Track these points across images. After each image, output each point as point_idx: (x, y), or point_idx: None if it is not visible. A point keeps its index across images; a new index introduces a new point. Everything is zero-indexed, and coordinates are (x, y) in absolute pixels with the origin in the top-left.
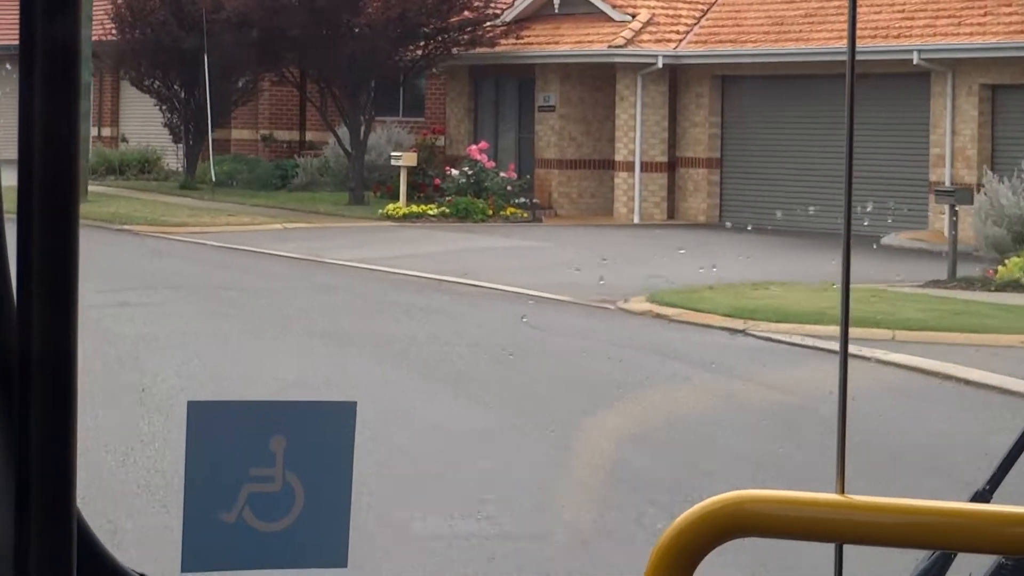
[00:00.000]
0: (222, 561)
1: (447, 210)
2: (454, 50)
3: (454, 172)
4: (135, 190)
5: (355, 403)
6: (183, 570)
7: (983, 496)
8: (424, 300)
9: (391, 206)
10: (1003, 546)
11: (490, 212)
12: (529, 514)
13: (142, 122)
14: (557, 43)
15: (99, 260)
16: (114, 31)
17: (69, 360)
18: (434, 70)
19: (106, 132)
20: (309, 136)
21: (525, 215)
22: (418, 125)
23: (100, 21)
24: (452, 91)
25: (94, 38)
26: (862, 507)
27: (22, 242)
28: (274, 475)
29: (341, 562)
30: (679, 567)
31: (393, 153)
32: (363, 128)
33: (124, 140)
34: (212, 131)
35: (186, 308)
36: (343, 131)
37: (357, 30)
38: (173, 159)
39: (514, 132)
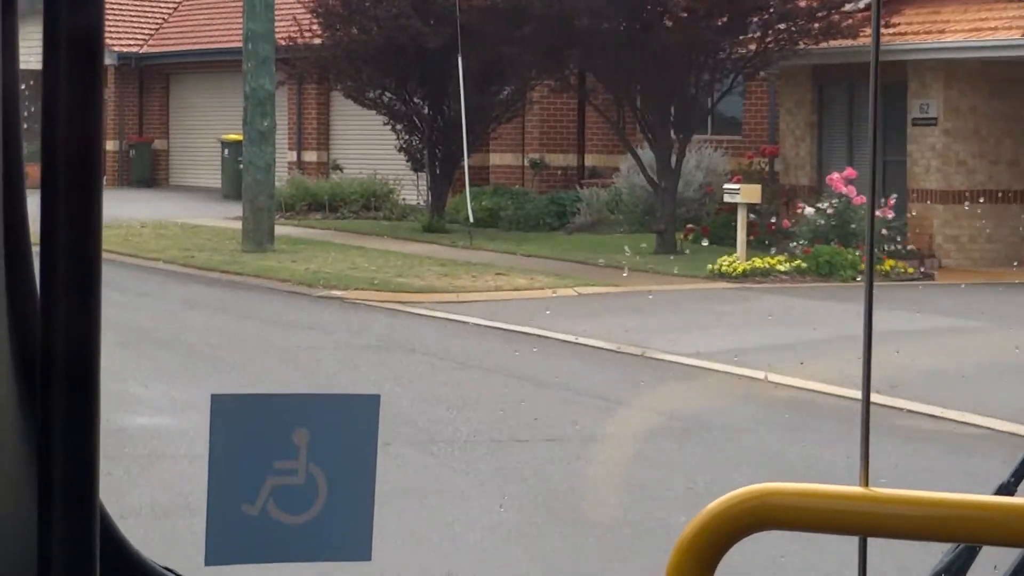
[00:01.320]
0: (246, 554)
1: (803, 264)
2: (800, 43)
3: (808, 211)
4: (354, 234)
5: (378, 396)
6: (207, 563)
7: (1008, 488)
8: (903, 453)
9: (724, 260)
10: None
11: (861, 266)
12: None
13: (362, 145)
14: (942, 32)
15: (295, 370)
16: (317, 29)
17: (92, 354)
18: (761, 73)
19: (310, 157)
20: (590, 161)
21: (911, 270)
22: (734, 145)
23: (292, 16)
24: (787, 100)
25: (285, 40)
26: (886, 499)
27: (45, 238)
28: (297, 468)
29: (365, 555)
30: (702, 562)
31: (727, 186)
32: (674, 149)
33: (336, 168)
34: (468, 156)
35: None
36: (645, 153)
37: (670, 21)
38: (411, 192)
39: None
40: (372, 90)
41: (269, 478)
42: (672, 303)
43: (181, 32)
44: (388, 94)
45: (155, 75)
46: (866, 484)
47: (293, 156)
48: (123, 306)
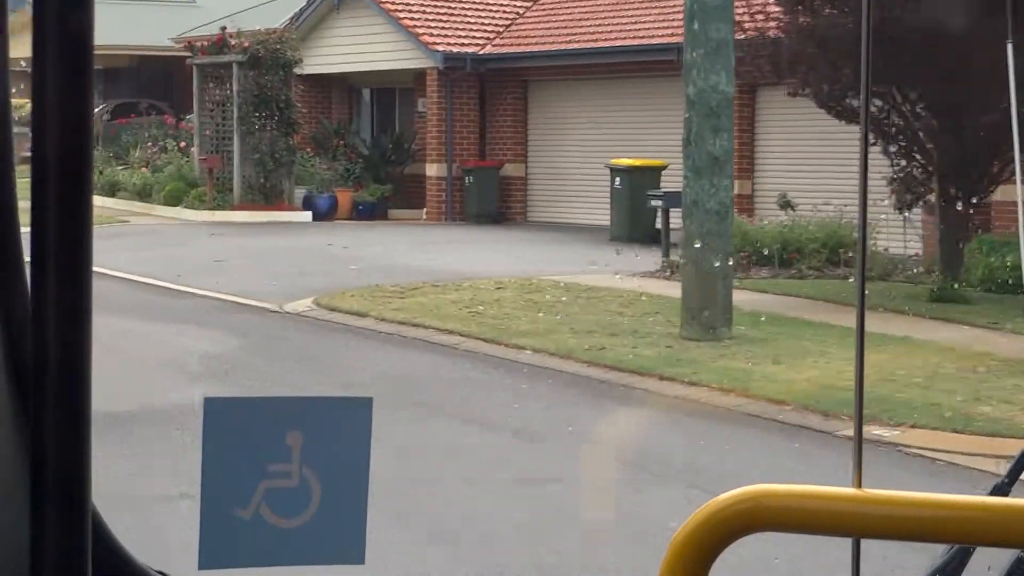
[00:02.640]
0: (239, 558)
1: None
2: None
3: None
4: (828, 303)
5: (371, 398)
6: (200, 567)
7: (1003, 489)
8: None
9: None
10: (1023, 540)
11: None
12: None
13: (813, 172)
14: None
15: None
16: (773, 12)
17: (83, 360)
18: None
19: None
20: None
21: None
22: None
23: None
24: None
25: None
26: (881, 501)
27: (36, 242)
28: (291, 471)
29: (359, 559)
30: (695, 563)
31: None
32: None
33: (787, 205)
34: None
35: None
36: None
37: None
38: (891, 239)
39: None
40: (846, 94)
41: (262, 481)
42: None
43: (546, 27)
44: (878, 102)
45: (505, 81)
46: (859, 485)
47: None
48: (496, 449)
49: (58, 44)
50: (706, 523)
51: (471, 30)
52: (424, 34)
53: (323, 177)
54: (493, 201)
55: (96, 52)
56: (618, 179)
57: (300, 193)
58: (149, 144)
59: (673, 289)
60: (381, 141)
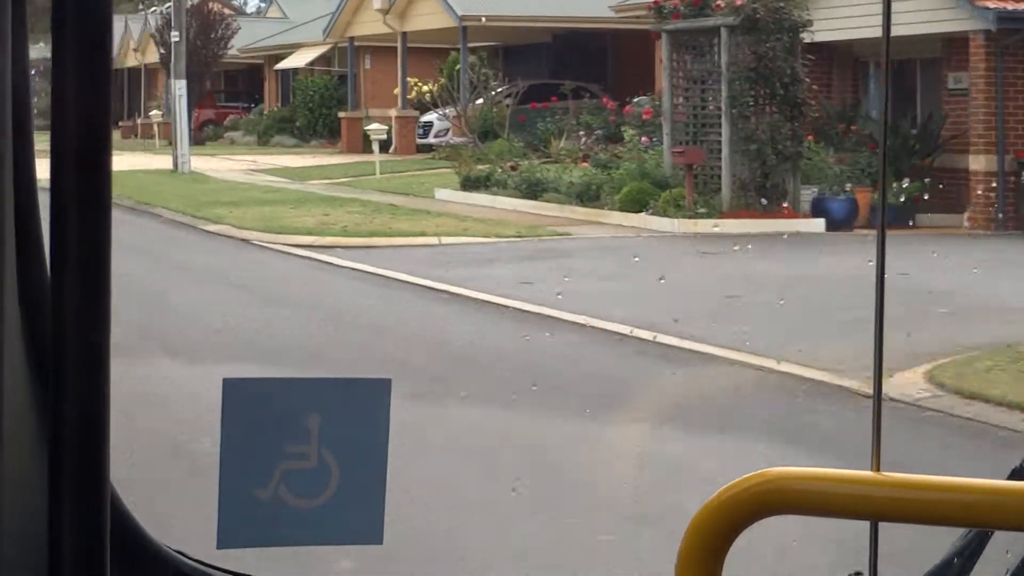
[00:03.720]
0: (258, 538)
1: None
2: None
3: None
4: None
5: (389, 380)
6: (219, 547)
7: (1021, 473)
8: None
9: None
10: None
11: None
12: None
13: None
14: None
15: None
16: None
17: (103, 342)
18: None
19: None
20: None
21: None
22: None
23: None
24: None
25: None
26: (898, 484)
27: (55, 225)
28: (309, 452)
29: (376, 539)
30: (713, 546)
31: None
32: None
33: None
34: None
35: None
36: None
37: None
38: None
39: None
40: None
41: (281, 462)
42: None
43: None
44: None
45: None
46: (878, 469)
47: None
48: None
49: (76, 29)
50: (724, 505)
51: None
52: None
53: (833, 173)
54: None
55: (497, 25)
56: None
57: (807, 194)
58: (581, 133)
59: None
60: (901, 127)
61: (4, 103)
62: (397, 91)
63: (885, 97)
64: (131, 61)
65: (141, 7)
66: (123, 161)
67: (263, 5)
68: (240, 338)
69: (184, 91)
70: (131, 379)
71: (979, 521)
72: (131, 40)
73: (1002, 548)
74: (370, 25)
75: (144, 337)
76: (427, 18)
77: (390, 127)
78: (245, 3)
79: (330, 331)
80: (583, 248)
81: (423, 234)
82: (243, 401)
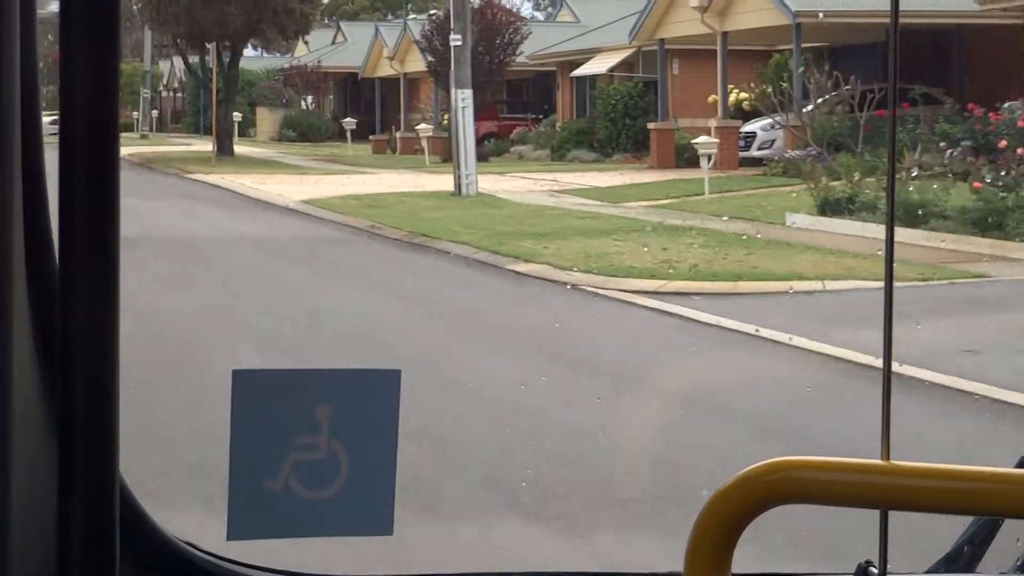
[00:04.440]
0: (267, 529)
1: None
2: None
3: None
4: None
5: (399, 371)
6: (228, 538)
7: None
8: None
9: None
10: None
11: None
12: None
13: None
14: None
15: None
16: None
17: (111, 332)
18: None
19: None
20: None
21: None
22: None
23: None
24: None
25: None
26: (908, 472)
27: (64, 216)
28: (319, 443)
29: (387, 530)
30: (723, 534)
31: None
32: None
33: None
34: None
35: None
36: None
37: None
38: None
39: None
40: None
41: (291, 453)
42: None
43: None
44: None
45: None
46: (887, 457)
47: None
48: None
49: (84, 20)
50: (733, 495)
51: None
52: None
53: None
54: None
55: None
56: None
57: None
58: (943, 145)
59: None
60: None
61: (12, 94)
62: (712, 99)
63: None
64: (385, 70)
65: (394, 15)
66: (380, 180)
67: (551, 10)
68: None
69: (469, 101)
70: None
71: (989, 509)
72: (384, 48)
73: (1013, 536)
74: (683, 26)
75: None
76: (752, 16)
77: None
78: (519, 7)
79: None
80: (1014, 295)
81: (798, 276)
82: (253, 392)
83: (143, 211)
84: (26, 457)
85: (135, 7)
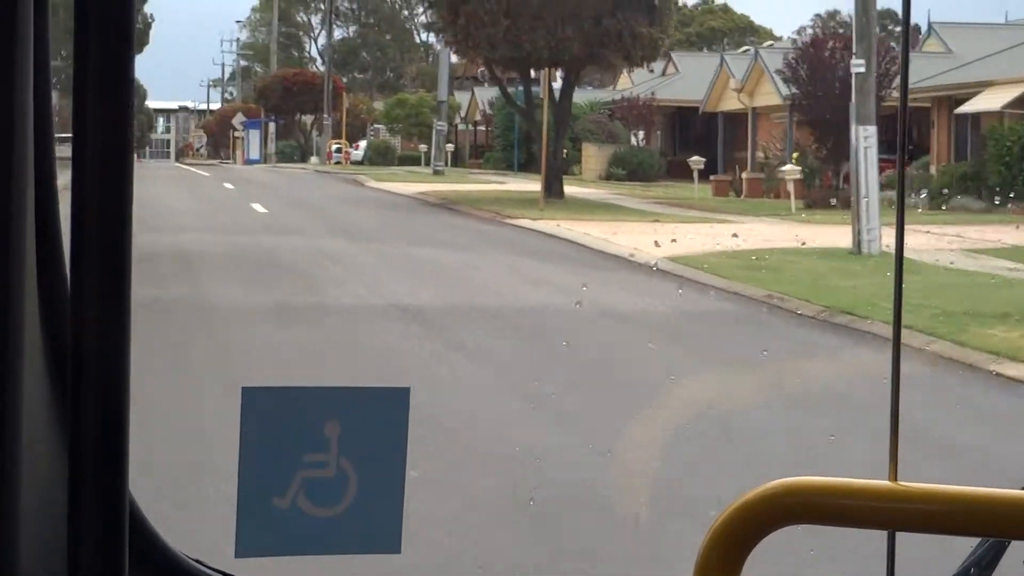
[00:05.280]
0: (276, 546)
1: None
2: None
3: None
4: None
5: (408, 388)
6: (237, 555)
7: None
8: None
9: None
10: None
11: None
12: None
13: None
14: None
15: None
16: None
17: (122, 350)
18: None
19: None
20: None
21: None
22: None
23: None
24: None
25: None
26: (915, 495)
27: (75, 227)
28: (328, 461)
29: (395, 548)
30: (731, 555)
31: None
32: None
33: None
34: None
35: None
36: None
37: None
38: None
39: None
40: None
41: (300, 471)
42: None
43: None
44: None
45: None
46: (895, 479)
47: None
48: None
49: (98, 35)
50: (741, 515)
51: None
52: None
53: None
54: None
55: None
56: None
57: None
58: None
59: None
60: None
61: (26, 107)
62: None
63: None
64: (730, 104)
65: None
66: (748, 231)
67: (921, 37)
68: None
69: (873, 140)
70: None
71: (996, 531)
72: (730, 79)
73: (1018, 559)
74: None
75: None
76: None
77: None
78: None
79: None
80: None
81: None
82: (262, 410)
83: (454, 266)
84: (36, 474)
85: (433, 36)
